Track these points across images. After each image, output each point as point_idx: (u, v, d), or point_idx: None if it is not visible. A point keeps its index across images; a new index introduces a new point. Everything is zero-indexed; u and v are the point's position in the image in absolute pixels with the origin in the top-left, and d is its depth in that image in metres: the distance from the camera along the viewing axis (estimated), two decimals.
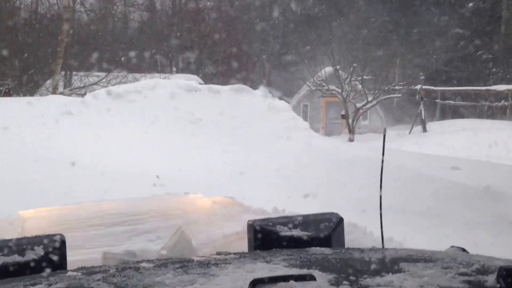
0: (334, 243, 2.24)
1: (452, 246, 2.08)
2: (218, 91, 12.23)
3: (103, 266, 1.87)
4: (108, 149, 10.35)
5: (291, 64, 29.40)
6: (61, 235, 2.05)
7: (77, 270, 1.80)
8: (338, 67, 24.86)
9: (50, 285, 1.58)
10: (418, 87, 25.98)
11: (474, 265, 1.68)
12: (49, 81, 22.91)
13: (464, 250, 2.03)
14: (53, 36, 23.65)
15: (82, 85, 22.30)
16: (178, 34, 31.19)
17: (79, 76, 22.64)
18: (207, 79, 28.41)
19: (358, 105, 24.34)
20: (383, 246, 2.75)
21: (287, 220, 2.29)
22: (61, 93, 20.95)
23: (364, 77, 24.42)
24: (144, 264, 1.78)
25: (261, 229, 2.22)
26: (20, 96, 22.02)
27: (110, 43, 23.57)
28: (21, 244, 1.98)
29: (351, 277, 1.55)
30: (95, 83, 22.13)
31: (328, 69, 26.67)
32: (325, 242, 2.21)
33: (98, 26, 23.69)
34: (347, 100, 24.43)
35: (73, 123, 11.30)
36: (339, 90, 24.82)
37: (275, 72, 32.70)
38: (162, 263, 1.82)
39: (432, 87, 27.58)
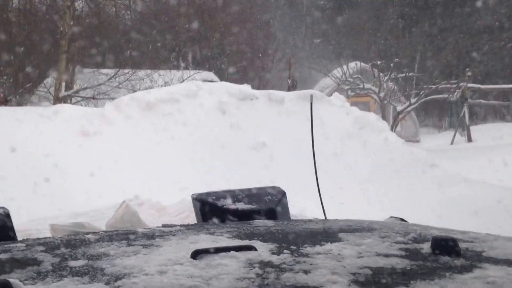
0: (279, 215, 2.30)
1: (391, 217, 2.14)
2: (282, 99, 9.24)
3: (48, 238, 1.89)
4: (134, 185, 7.46)
5: (315, 59, 26.52)
6: (4, 208, 2.10)
7: (22, 241, 1.81)
8: (379, 62, 21.92)
9: None
10: (462, 85, 23.00)
11: (410, 234, 1.75)
12: (48, 80, 19.90)
13: (402, 219, 2.08)
14: (53, 27, 20.71)
15: (87, 85, 19.17)
16: (186, 25, 28.13)
17: (84, 74, 19.51)
18: (222, 76, 25.47)
19: (399, 108, 21.39)
20: (325, 217, 2.73)
21: (231, 194, 2.32)
22: (64, 96, 18.06)
23: (407, 74, 21.47)
24: (89, 236, 1.81)
25: (205, 202, 2.27)
26: (16, 98, 19.12)
27: (116, 36, 20.51)
28: None
29: (292, 246, 1.60)
30: (103, 83, 19.11)
31: (353, 65, 23.86)
32: (270, 215, 2.27)
33: (101, 15, 20.63)
34: (386, 102, 21.52)
35: (90, 148, 8.41)
36: (376, 89, 21.93)
37: (295, 68, 29.83)
38: (107, 235, 1.85)
39: (478, 85, 24.58)
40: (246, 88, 9.61)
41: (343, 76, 23.17)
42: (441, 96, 22.60)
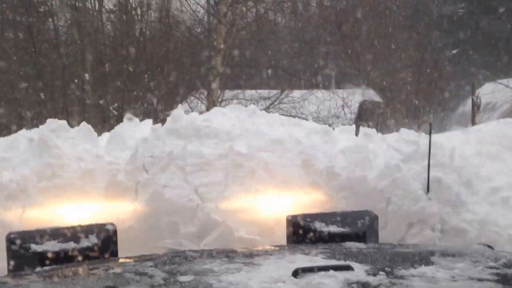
0: (369, 239, 2.34)
1: (479, 243, 2.13)
2: None
3: (154, 254, 2.06)
4: None
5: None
6: (112, 224, 2.26)
7: (129, 257, 1.97)
8: None
9: (107, 270, 1.78)
10: None
11: (501, 260, 1.75)
12: (180, 105, 16.54)
13: (489, 246, 2.02)
14: (188, 44, 17.53)
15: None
16: (330, 36, 24.17)
17: (238, 96, 15.86)
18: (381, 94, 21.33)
19: None
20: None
21: (324, 216, 2.41)
22: None
23: None
24: (191, 253, 1.96)
25: (299, 224, 2.35)
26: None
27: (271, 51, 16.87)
28: (76, 232, 2.20)
29: (387, 268, 1.64)
30: (268, 106, 15.41)
31: None
32: (361, 238, 2.32)
33: (258, 27, 17.10)
34: None
35: None
36: None
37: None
38: (208, 253, 1.98)
39: None
40: None
41: None
42: None
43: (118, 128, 5.79)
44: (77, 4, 19.24)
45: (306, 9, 26.22)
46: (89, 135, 5.51)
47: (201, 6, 16.03)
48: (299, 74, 20.38)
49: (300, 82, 21.27)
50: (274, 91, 17.53)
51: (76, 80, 17.92)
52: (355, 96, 19.38)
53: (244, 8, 15.87)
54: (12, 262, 2.27)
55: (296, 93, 17.72)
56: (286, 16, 23.13)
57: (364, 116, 20.27)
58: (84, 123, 5.56)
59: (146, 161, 5.20)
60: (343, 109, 19.19)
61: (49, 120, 5.38)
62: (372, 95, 20.49)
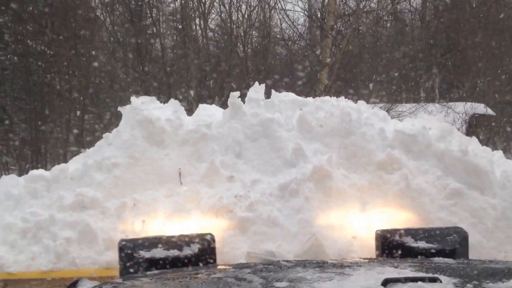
0: (458, 256, 2.30)
1: None
2: None
3: (250, 263, 2.37)
4: None
5: None
6: (211, 235, 2.49)
7: (228, 265, 2.22)
8: None
9: (209, 275, 2.00)
10: None
11: None
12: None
13: None
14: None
15: None
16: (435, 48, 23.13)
17: None
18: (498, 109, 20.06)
19: None
20: None
21: (414, 232, 2.40)
22: None
23: None
24: (284, 263, 2.08)
25: (389, 239, 2.38)
26: None
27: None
28: (179, 241, 2.45)
29: (474, 282, 1.64)
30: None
31: None
32: (450, 255, 2.30)
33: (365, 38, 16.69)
34: None
35: None
36: None
37: None
38: (300, 263, 2.11)
39: None
40: None
41: None
42: None
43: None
44: (183, 24, 19.79)
45: (409, 22, 25.43)
46: (177, 107, 5.74)
47: (308, 17, 15.79)
48: (406, 87, 19.63)
49: (406, 95, 20.52)
50: (381, 104, 16.98)
51: (181, 97, 18.32)
52: (466, 109, 18.42)
53: (351, 20, 15.47)
54: (122, 266, 2.55)
55: (402, 107, 17.06)
56: (390, 30, 22.47)
57: (475, 130, 19.24)
58: (172, 99, 5.81)
59: None
60: (464, 124, 18.35)
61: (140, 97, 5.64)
62: (483, 109, 19.36)
